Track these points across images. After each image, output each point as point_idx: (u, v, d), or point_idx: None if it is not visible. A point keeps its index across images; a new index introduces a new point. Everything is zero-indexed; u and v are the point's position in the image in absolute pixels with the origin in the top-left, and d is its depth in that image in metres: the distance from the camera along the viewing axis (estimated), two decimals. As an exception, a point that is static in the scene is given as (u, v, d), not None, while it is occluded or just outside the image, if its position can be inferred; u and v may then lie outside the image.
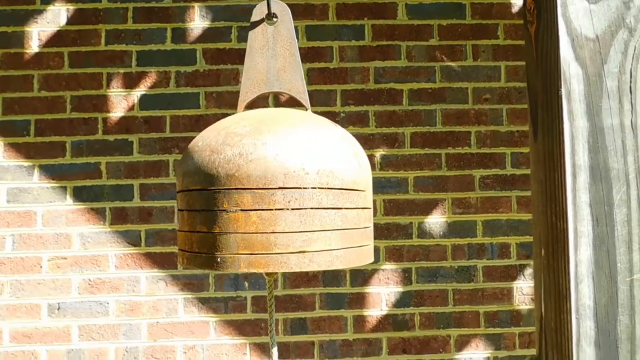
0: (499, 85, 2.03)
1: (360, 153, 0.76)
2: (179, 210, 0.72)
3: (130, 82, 2.01)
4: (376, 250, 1.99)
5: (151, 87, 2.01)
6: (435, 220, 2.00)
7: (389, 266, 1.98)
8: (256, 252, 0.65)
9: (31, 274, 1.96)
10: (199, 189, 0.68)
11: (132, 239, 1.98)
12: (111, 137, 2.00)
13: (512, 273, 2.00)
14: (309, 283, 1.97)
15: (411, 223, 1.99)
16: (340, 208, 0.68)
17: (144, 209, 1.98)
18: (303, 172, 0.66)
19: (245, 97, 0.79)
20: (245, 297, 1.97)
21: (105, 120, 2.00)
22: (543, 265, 0.90)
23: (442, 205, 2.00)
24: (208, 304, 1.97)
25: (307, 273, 1.97)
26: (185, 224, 0.71)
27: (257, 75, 0.79)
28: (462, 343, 1.98)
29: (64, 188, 1.98)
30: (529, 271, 2.00)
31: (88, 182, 1.99)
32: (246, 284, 1.97)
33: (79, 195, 1.98)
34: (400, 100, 2.02)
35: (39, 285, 1.96)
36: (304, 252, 0.65)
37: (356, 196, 0.71)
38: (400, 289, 1.98)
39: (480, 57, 2.03)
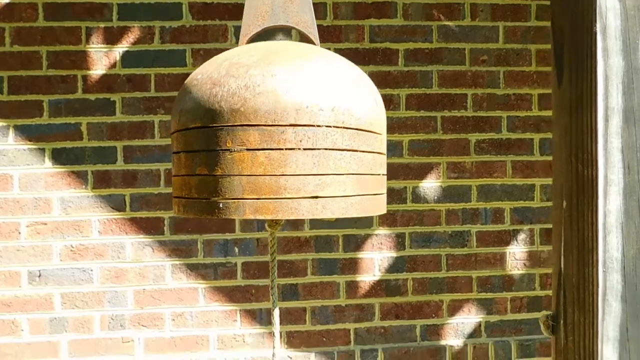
0: (497, 46, 1.97)
1: (377, 94, 0.70)
2: (174, 153, 0.64)
3: (112, 38, 1.89)
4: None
5: (134, 43, 1.90)
6: (430, 185, 1.96)
7: (382, 231, 1.95)
8: (263, 197, 0.58)
9: (9, 240, 1.87)
10: (198, 126, 0.60)
11: (116, 204, 1.89)
12: (92, 96, 1.89)
13: (505, 238, 1.99)
14: (301, 248, 1.93)
15: (405, 187, 1.95)
16: (356, 150, 0.62)
17: (128, 172, 1.89)
18: (317, 109, 0.59)
19: (247, 31, 0.71)
20: (235, 263, 1.92)
21: (85, 78, 1.89)
22: (564, 218, 0.87)
23: (436, 169, 1.96)
24: (197, 270, 1.91)
25: (298, 238, 1.92)
26: (183, 167, 0.63)
27: (261, 7, 0.70)
28: (455, 308, 1.97)
29: (42, 150, 1.87)
30: (522, 236, 1.99)
31: (68, 144, 1.88)
32: (236, 249, 1.91)
33: (59, 157, 1.88)
34: (395, 60, 1.95)
35: (17, 252, 1.87)
36: (316, 197, 0.59)
37: (372, 139, 0.64)
38: (394, 254, 1.95)
39: (479, 17, 1.97)
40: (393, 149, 1.93)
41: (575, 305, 0.84)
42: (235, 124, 0.58)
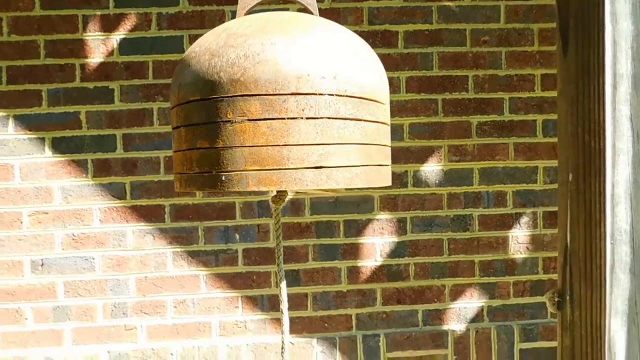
0: (498, 26, 1.94)
1: (380, 64, 0.68)
2: (174, 129, 0.63)
3: (109, 25, 1.88)
4: (370, 199, 1.93)
5: (131, 31, 1.89)
6: (431, 169, 1.94)
7: (383, 216, 1.93)
8: (266, 168, 0.57)
9: (11, 229, 1.88)
10: (198, 99, 0.59)
11: (116, 192, 1.89)
12: (90, 85, 1.88)
13: (507, 222, 1.96)
14: (302, 234, 1.92)
15: (406, 171, 1.93)
16: (360, 120, 0.60)
17: (128, 160, 1.89)
18: (319, 76, 0.57)
19: (245, 4, 0.69)
20: (236, 250, 1.91)
21: (83, 66, 1.88)
22: (570, 192, 0.84)
23: (438, 152, 1.94)
24: (198, 257, 1.91)
25: (299, 224, 1.91)
26: (183, 141, 0.61)
27: None
28: (457, 293, 1.96)
29: (42, 139, 1.88)
30: (524, 220, 1.96)
31: (67, 133, 1.88)
32: (237, 236, 1.91)
33: (58, 146, 1.88)
34: (395, 42, 1.92)
35: (19, 241, 1.88)
36: (320, 167, 0.58)
37: (376, 108, 0.63)
38: (395, 239, 1.94)
39: (479, -3, 1.93)
40: (394, 132, 1.91)
41: (582, 280, 0.82)
42: (236, 94, 0.57)
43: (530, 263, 1.96)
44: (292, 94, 0.56)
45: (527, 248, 1.96)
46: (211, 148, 0.58)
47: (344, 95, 0.59)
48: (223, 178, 0.58)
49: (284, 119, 0.56)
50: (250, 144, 0.56)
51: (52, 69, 1.88)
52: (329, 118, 0.58)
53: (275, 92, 0.56)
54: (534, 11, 1.94)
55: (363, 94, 0.60)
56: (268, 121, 0.56)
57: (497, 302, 1.96)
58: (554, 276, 1.95)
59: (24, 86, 1.87)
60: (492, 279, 1.96)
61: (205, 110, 0.58)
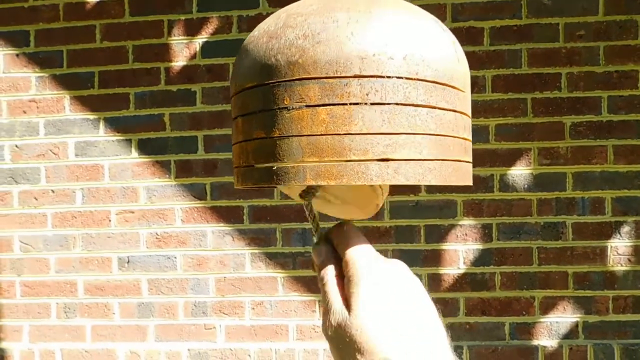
0: (596, 19, 1.79)
1: (460, 48, 0.58)
2: (233, 120, 0.58)
3: (192, 29, 1.92)
4: (453, 204, 1.84)
5: (213, 34, 1.92)
6: (519, 172, 1.82)
7: (467, 222, 1.84)
8: (326, 160, 0.50)
9: (101, 227, 1.96)
10: (255, 85, 0.53)
11: (197, 192, 1.93)
12: (174, 87, 1.93)
13: (606, 231, 1.80)
14: (380, 239, 1.86)
15: (492, 175, 1.83)
16: (434, 107, 0.52)
17: (208, 161, 1.92)
18: (386, 57, 0.50)
19: None
20: (314, 253, 1.89)
21: (167, 69, 1.94)
22: None
23: (527, 155, 1.82)
24: (275, 259, 1.90)
25: (378, 228, 1.86)
26: (240, 133, 0.56)
27: None
28: (548, 305, 1.82)
29: (129, 141, 1.95)
30: (626, 229, 1.80)
31: (152, 135, 1.94)
32: (314, 239, 1.88)
33: (144, 147, 1.94)
34: (480, 39, 1.83)
35: (108, 238, 1.96)
36: (387, 159, 0.50)
37: (454, 95, 0.54)
38: (480, 247, 1.84)
39: (575, -12, 1.79)
40: (479, 134, 1.81)
41: None
42: (293, 78, 0.51)
43: (633, 277, 1.79)
44: (355, 76, 0.50)
45: (629, 260, 1.79)
46: (267, 138, 0.52)
47: (415, 79, 0.51)
48: (278, 171, 0.51)
49: (346, 104, 0.50)
50: (308, 133, 0.50)
51: (139, 73, 1.95)
52: (397, 104, 0.50)
53: (336, 75, 0.50)
54: (638, 1, 1.77)
55: (437, 78, 0.52)
56: (328, 107, 0.50)
57: (594, 318, 1.80)
58: (661, 292, 1.77)
59: (114, 90, 1.95)
60: (588, 292, 1.80)
61: (262, 97, 0.53)
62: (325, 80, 0.50)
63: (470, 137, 0.59)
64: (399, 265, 0.49)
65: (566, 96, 1.81)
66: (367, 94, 0.50)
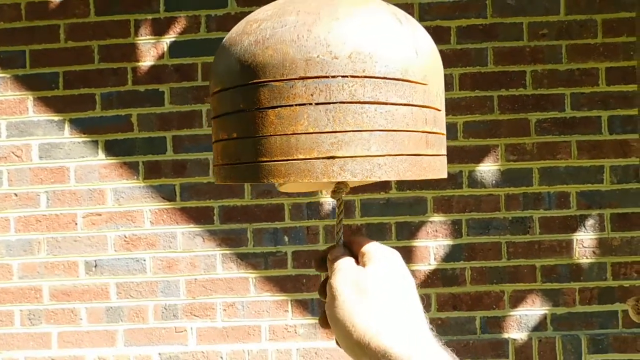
0: (558, 18, 1.84)
1: (420, 34, 0.58)
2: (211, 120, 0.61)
3: (159, 29, 1.90)
4: (423, 201, 1.86)
5: (181, 33, 1.90)
6: (487, 169, 1.85)
7: (437, 218, 1.86)
8: (275, 159, 0.52)
9: (67, 231, 1.91)
10: (220, 89, 0.57)
11: (166, 194, 1.90)
12: (141, 88, 1.90)
13: (571, 224, 1.85)
14: (351, 236, 1.86)
15: (461, 172, 1.85)
16: (385, 103, 0.53)
17: (177, 162, 1.90)
18: (330, 57, 0.51)
19: None
20: (286, 252, 1.88)
21: (134, 69, 1.91)
22: None
23: (494, 152, 1.85)
24: (247, 259, 1.89)
25: (350, 226, 1.86)
26: (213, 134, 0.60)
27: None
28: (517, 299, 1.85)
29: (96, 142, 1.91)
30: (590, 222, 1.84)
31: (119, 136, 1.91)
32: (286, 238, 1.88)
33: (111, 149, 1.91)
34: (447, 38, 1.86)
35: (75, 242, 1.91)
36: (332, 157, 0.51)
37: (409, 89, 0.54)
38: (450, 242, 1.86)
39: (537, -12, 1.84)
40: (447, 131, 1.83)
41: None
42: (247, 82, 0.53)
43: (598, 268, 1.83)
44: (299, 78, 0.51)
45: (594, 252, 1.84)
46: (229, 139, 0.55)
47: (361, 76, 0.52)
48: (236, 170, 0.55)
49: (292, 105, 0.52)
50: (261, 134, 0.53)
51: (106, 73, 1.91)
52: (342, 102, 0.52)
53: (282, 78, 0.52)
54: (597, 1, 1.83)
55: (388, 74, 0.53)
56: (276, 109, 0.52)
57: (561, 310, 1.84)
58: (625, 283, 1.82)
59: (79, 90, 1.91)
60: (556, 285, 1.84)
61: (225, 100, 0.56)
62: (273, 83, 0.52)
63: (439, 130, 0.58)
64: (397, 257, 0.56)
65: (531, 93, 1.85)
66: (311, 95, 0.51)
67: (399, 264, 0.54)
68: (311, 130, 0.51)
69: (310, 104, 0.51)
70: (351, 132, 0.51)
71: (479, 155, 1.85)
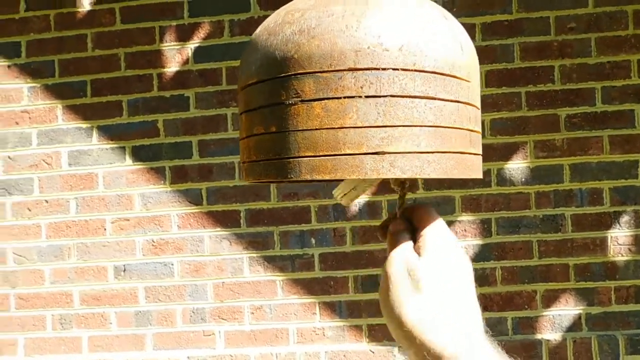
0: (586, 11, 1.80)
1: (466, 38, 0.57)
2: (239, 115, 0.58)
3: (183, 35, 1.92)
4: (451, 200, 1.83)
5: (205, 39, 1.92)
6: (516, 166, 1.82)
7: (465, 217, 1.83)
8: (320, 154, 0.49)
9: (96, 236, 1.94)
10: (255, 82, 0.54)
11: (193, 198, 1.91)
12: (167, 94, 1.93)
13: (605, 221, 1.80)
14: (378, 238, 1.84)
15: (489, 170, 1.82)
16: (433, 98, 0.51)
17: (204, 166, 1.91)
18: (380, 49, 0.49)
19: None
20: (312, 255, 1.87)
21: (160, 76, 1.93)
22: None
23: (523, 149, 1.82)
24: (274, 262, 1.88)
25: (376, 227, 1.84)
26: (243, 129, 0.57)
27: None
28: (550, 298, 1.81)
29: (123, 148, 1.93)
30: (625, 219, 1.79)
31: (146, 141, 1.93)
32: (313, 240, 1.87)
33: (138, 154, 1.93)
34: (472, 35, 1.83)
35: (104, 247, 1.94)
36: (382, 153, 0.49)
37: (456, 85, 0.53)
38: (479, 242, 1.82)
39: (563, -19, 1.81)
40: (473, 129, 1.80)
41: None
42: (289, 73, 0.51)
43: (634, 266, 1.78)
44: (349, 69, 0.49)
45: (630, 250, 1.78)
46: (266, 134, 0.53)
47: (411, 70, 0.50)
48: (276, 166, 0.52)
49: (340, 98, 0.49)
50: (304, 128, 0.50)
51: (132, 80, 1.94)
52: (392, 96, 0.50)
53: (330, 69, 0.49)
54: (626, -8, 1.79)
55: (437, 68, 0.51)
56: (323, 101, 0.50)
57: (596, 310, 1.79)
58: (664, 280, 1.76)
59: (107, 98, 1.94)
60: (590, 284, 1.79)
61: (261, 93, 0.53)
62: (319, 74, 0.50)
63: (478, 129, 0.57)
64: (456, 246, 0.53)
65: (560, 88, 1.81)
66: (361, 87, 0.49)
67: (458, 256, 0.51)
68: (360, 125, 0.49)
69: (360, 96, 0.49)
70: (401, 127, 0.50)
71: (508, 152, 1.82)
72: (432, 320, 0.47)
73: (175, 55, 1.93)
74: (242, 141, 0.58)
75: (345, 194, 0.61)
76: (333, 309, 1.86)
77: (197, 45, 1.92)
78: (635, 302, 1.77)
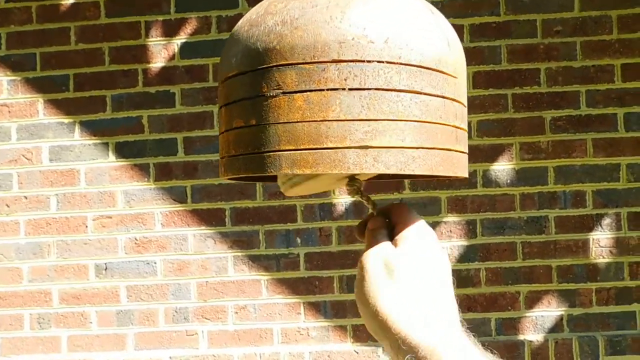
0: (572, 15, 1.82)
1: (453, 33, 0.56)
2: (219, 110, 0.56)
3: (170, 30, 1.90)
4: (437, 201, 1.84)
5: (192, 34, 1.89)
6: (502, 168, 1.83)
7: (451, 218, 1.83)
8: (302, 147, 0.48)
9: (77, 234, 1.90)
10: (235, 74, 0.52)
11: (177, 196, 1.88)
12: (152, 89, 1.89)
13: (587, 223, 1.82)
14: (365, 238, 1.84)
15: (475, 171, 1.83)
16: (419, 92, 0.50)
17: (189, 164, 1.88)
18: (366, 41, 0.48)
19: None
20: (298, 254, 1.86)
21: (145, 71, 1.90)
22: None
23: (509, 150, 1.83)
24: (259, 261, 1.87)
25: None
26: (223, 123, 0.55)
27: None
28: (533, 300, 1.82)
29: (106, 144, 1.90)
30: (607, 221, 1.81)
31: (130, 137, 1.90)
32: (298, 240, 1.86)
33: (121, 151, 1.90)
34: (460, 36, 1.83)
35: (85, 245, 1.90)
36: (366, 147, 0.48)
37: (442, 80, 0.51)
38: (464, 243, 1.83)
39: (550, -15, 1.82)
40: (460, 130, 1.81)
41: None
42: (271, 64, 0.49)
43: (615, 268, 1.80)
44: (332, 61, 0.48)
45: (611, 252, 1.81)
46: (245, 127, 0.51)
47: (397, 63, 0.49)
48: (255, 160, 0.50)
49: (323, 90, 0.48)
50: (285, 120, 0.49)
51: (116, 74, 1.90)
52: (377, 89, 0.48)
53: (313, 60, 0.48)
54: (611, -3, 1.81)
55: (423, 62, 0.50)
56: (305, 93, 0.48)
57: (578, 311, 1.81)
58: (644, 282, 1.79)
59: (90, 92, 1.91)
60: (572, 286, 1.81)
61: (241, 85, 0.51)
62: (302, 66, 0.48)
63: (464, 126, 0.56)
64: (433, 238, 0.53)
65: (545, 91, 1.83)
66: (345, 79, 0.48)
67: (434, 247, 0.51)
68: (343, 118, 0.47)
69: (344, 89, 0.48)
70: (386, 121, 0.48)
71: (494, 154, 1.83)
72: (407, 311, 0.46)
73: (161, 51, 1.90)
74: (221, 135, 0.56)
75: (283, 183, 0.59)
76: (318, 309, 1.85)
77: (183, 41, 1.90)
78: (616, 303, 1.80)
